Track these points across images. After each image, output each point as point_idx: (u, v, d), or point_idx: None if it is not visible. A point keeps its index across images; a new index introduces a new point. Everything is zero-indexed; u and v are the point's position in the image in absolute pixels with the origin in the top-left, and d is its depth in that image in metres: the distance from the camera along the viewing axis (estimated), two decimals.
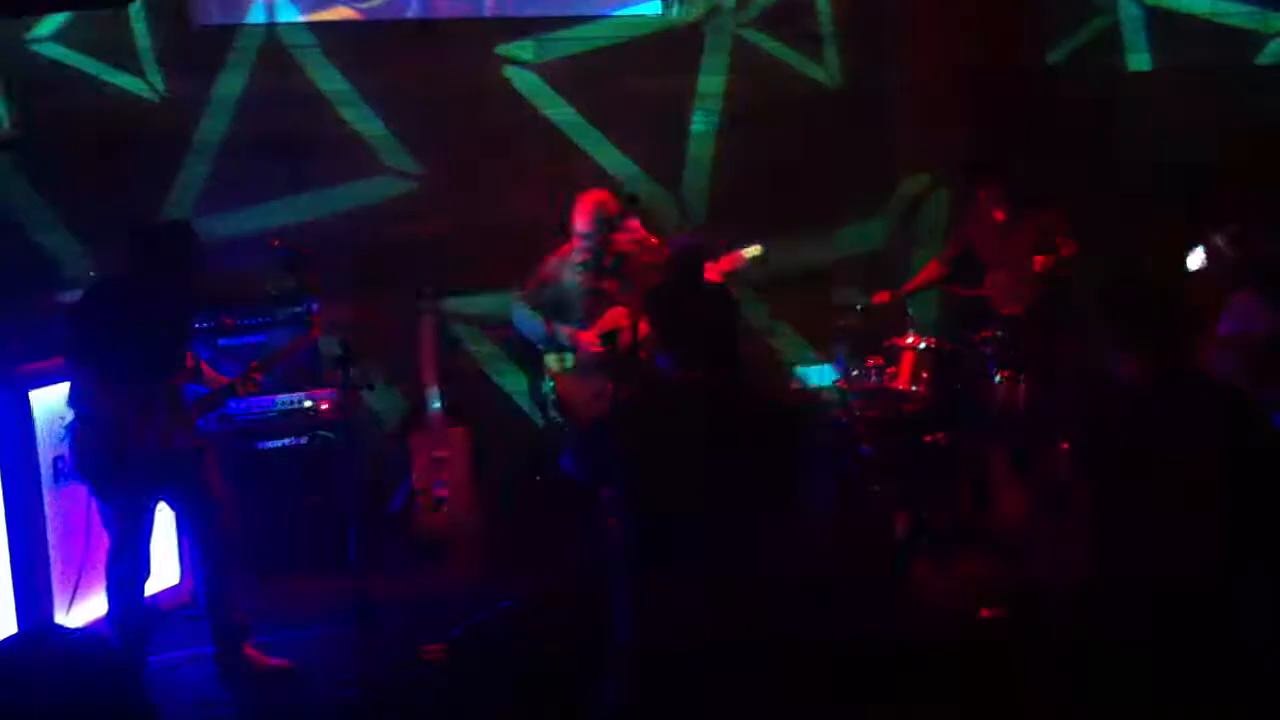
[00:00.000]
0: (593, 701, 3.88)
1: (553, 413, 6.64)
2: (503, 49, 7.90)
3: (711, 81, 8.20)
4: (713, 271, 6.43)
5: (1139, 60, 8.44)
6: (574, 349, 6.51)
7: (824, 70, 8.28)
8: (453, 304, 7.47)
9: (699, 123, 8.16)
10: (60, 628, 2.38)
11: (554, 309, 6.56)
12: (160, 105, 7.36)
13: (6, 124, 7.04)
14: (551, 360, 6.63)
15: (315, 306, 5.47)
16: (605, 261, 6.47)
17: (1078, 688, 3.72)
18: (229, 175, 7.46)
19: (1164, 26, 8.43)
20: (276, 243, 5.49)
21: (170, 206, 7.34)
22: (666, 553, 3.74)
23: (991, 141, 7.47)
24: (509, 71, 7.95)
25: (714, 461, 3.71)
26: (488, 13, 7.82)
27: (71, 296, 5.23)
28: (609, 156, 8.06)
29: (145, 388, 5.03)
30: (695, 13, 8.06)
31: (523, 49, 7.91)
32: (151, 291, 5.08)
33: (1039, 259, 6.66)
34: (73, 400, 5.04)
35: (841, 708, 4.74)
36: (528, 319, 6.56)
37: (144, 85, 7.34)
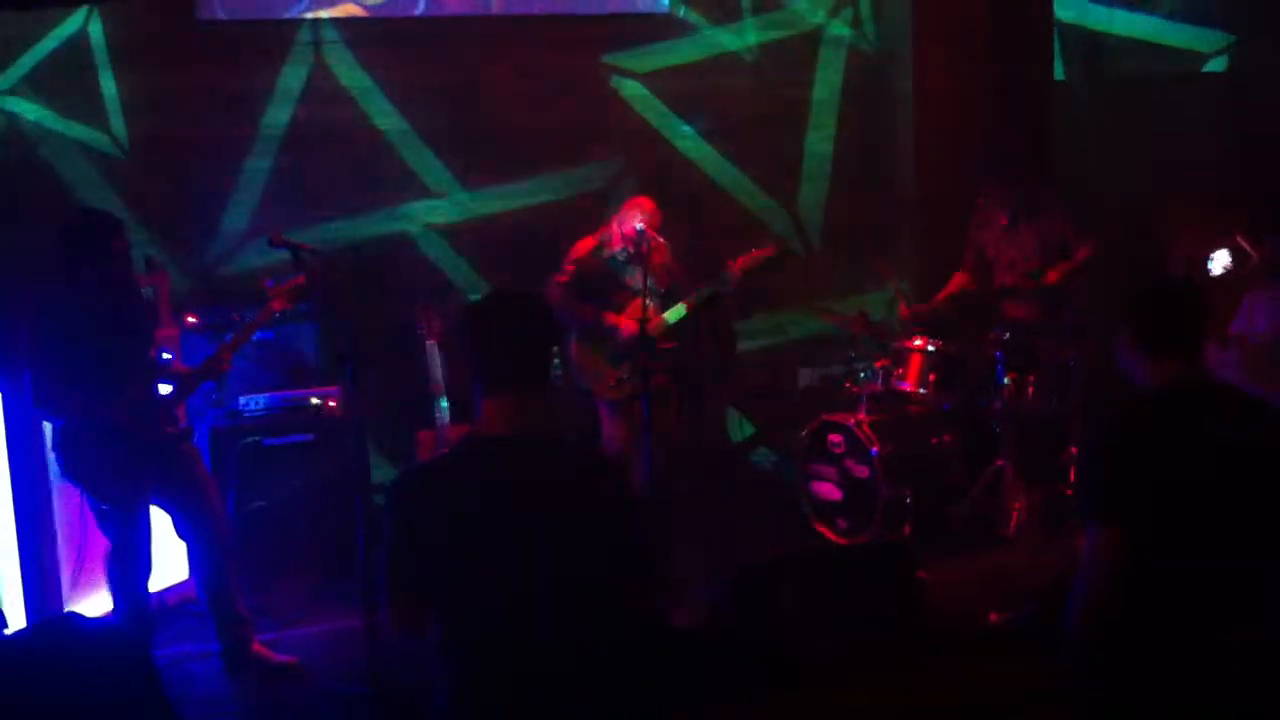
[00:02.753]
0: None
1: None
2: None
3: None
4: (734, 267, 6.52)
5: None
6: (609, 335, 6.59)
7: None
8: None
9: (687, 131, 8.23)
10: (80, 617, 2.36)
11: (582, 297, 6.67)
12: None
13: None
14: (580, 347, 6.72)
15: (270, 282, 5.41)
16: (635, 260, 6.56)
17: (1088, 693, 3.70)
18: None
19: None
20: (276, 238, 5.43)
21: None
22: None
23: (996, 147, 7.45)
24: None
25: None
26: (494, 10, 7.81)
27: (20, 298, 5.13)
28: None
29: (106, 388, 4.97)
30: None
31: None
32: (90, 285, 4.97)
33: (1052, 274, 6.66)
34: (38, 404, 4.95)
35: (849, 708, 4.79)
36: (560, 310, 6.63)
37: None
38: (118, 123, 7.29)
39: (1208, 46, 8.21)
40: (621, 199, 7.10)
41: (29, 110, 7.15)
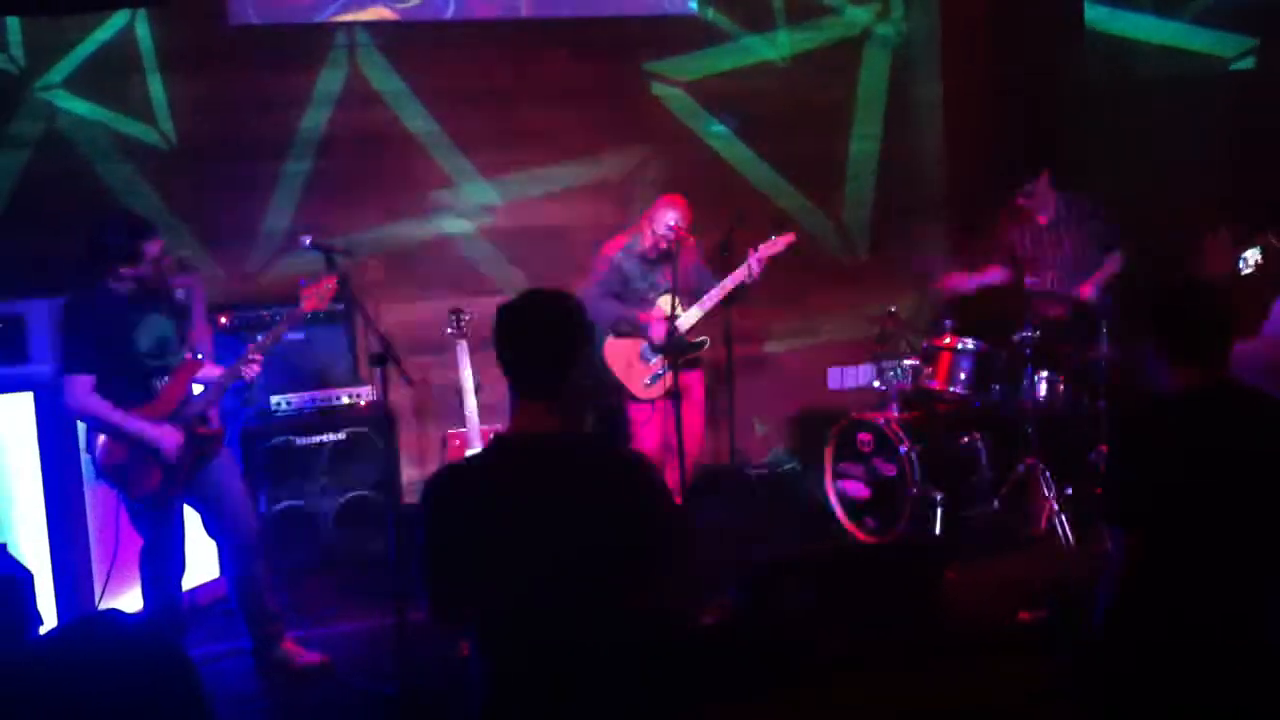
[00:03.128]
0: None
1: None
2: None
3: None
4: (754, 256, 6.57)
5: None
6: (641, 332, 6.65)
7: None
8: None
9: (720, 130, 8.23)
10: (116, 614, 2.38)
11: (616, 296, 6.74)
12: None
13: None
14: (613, 345, 6.77)
15: (303, 281, 5.45)
16: (666, 258, 6.59)
17: (1114, 693, 3.70)
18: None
19: None
20: (308, 241, 5.47)
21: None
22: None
23: (1035, 147, 7.42)
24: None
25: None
26: (524, 13, 7.83)
27: (57, 306, 5.18)
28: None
29: (140, 388, 5.04)
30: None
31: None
32: (125, 289, 5.03)
33: (1085, 287, 6.67)
34: (73, 408, 5.01)
35: (875, 706, 4.78)
36: (593, 308, 6.66)
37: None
38: (164, 121, 7.34)
39: (1232, 50, 8.18)
40: (650, 194, 7.12)
41: (77, 106, 7.21)
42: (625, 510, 3.10)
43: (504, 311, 3.23)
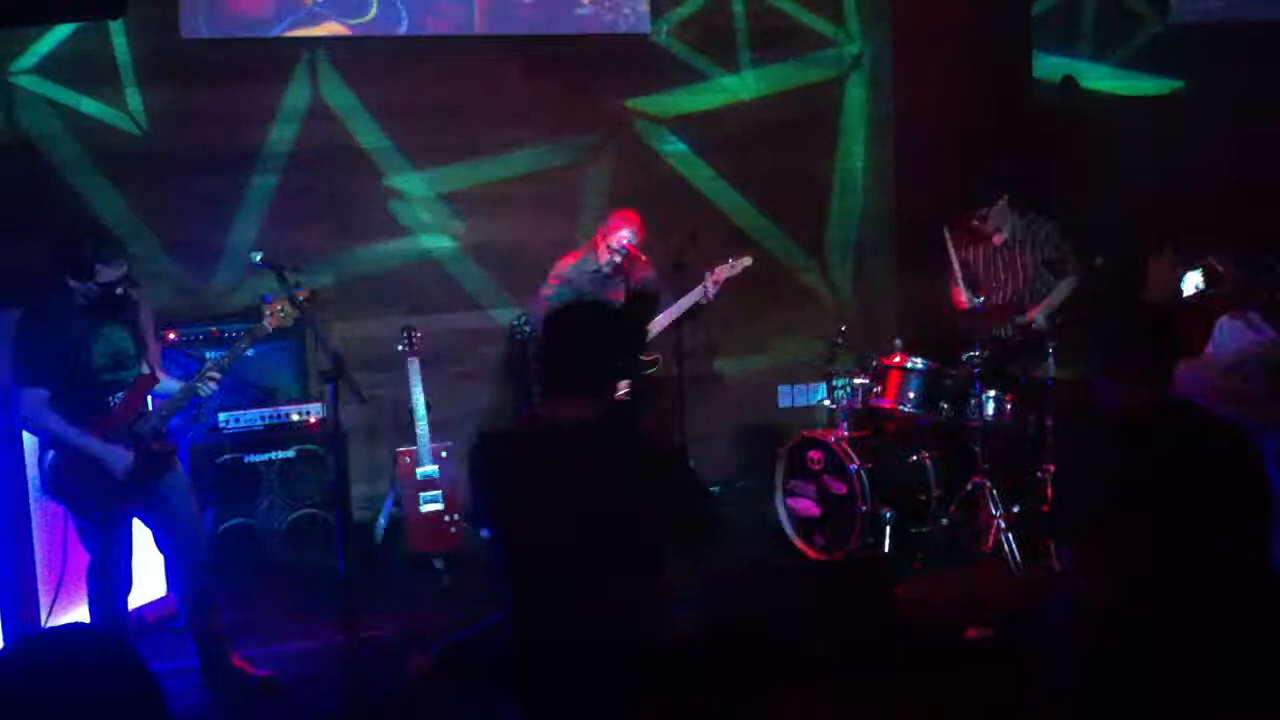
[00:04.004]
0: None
1: None
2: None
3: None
4: (712, 278, 6.71)
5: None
6: None
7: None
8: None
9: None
10: (78, 626, 2.37)
11: None
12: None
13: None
14: None
15: (268, 297, 5.43)
16: (619, 274, 6.61)
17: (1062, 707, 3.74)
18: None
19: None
20: (258, 258, 5.46)
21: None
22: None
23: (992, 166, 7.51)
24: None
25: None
26: (477, 29, 7.84)
27: (11, 316, 5.13)
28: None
29: (96, 402, 4.99)
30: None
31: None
32: (86, 300, 4.98)
33: (1032, 310, 6.79)
34: (25, 422, 4.99)
35: None
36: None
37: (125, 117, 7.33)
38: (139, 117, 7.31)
39: (1164, 91, 8.46)
40: (606, 210, 7.14)
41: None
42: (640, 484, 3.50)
43: (550, 318, 3.70)
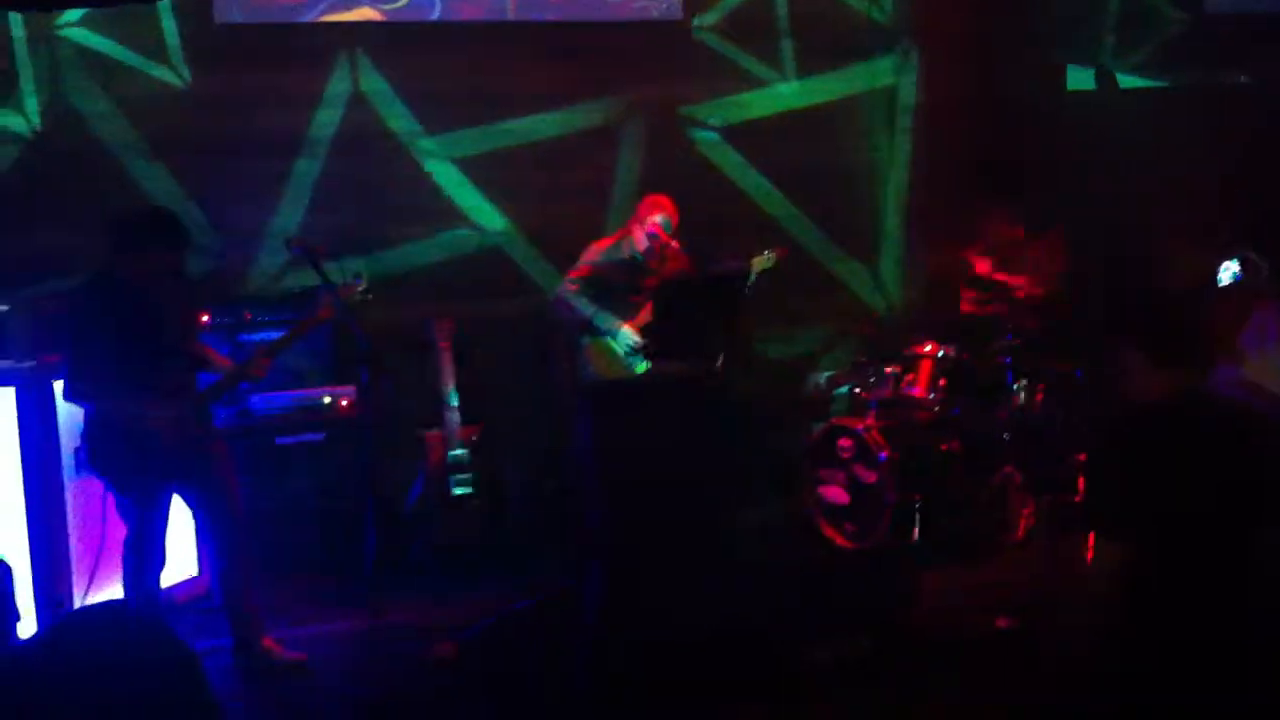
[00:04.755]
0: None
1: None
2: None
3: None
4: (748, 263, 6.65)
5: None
6: (616, 337, 6.65)
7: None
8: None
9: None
10: (118, 604, 2.40)
11: (596, 298, 6.73)
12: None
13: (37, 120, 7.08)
14: (592, 345, 6.77)
15: (324, 289, 5.45)
16: (653, 262, 6.60)
17: (1091, 700, 3.72)
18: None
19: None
20: (294, 242, 5.49)
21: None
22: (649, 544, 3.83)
23: (1004, 160, 7.48)
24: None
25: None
26: (510, 16, 7.82)
27: (65, 290, 5.19)
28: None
29: (146, 377, 5.04)
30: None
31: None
32: (139, 279, 5.04)
33: (1038, 291, 6.76)
34: (72, 395, 5.05)
35: (851, 713, 4.80)
36: (573, 308, 6.73)
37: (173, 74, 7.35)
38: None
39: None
40: (637, 198, 7.11)
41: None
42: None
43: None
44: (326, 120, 7.55)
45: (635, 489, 3.91)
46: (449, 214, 7.80)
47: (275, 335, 6.12)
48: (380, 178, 7.62)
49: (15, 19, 7.02)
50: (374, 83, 7.61)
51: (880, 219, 8.51)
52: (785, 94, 8.28)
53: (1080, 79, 8.44)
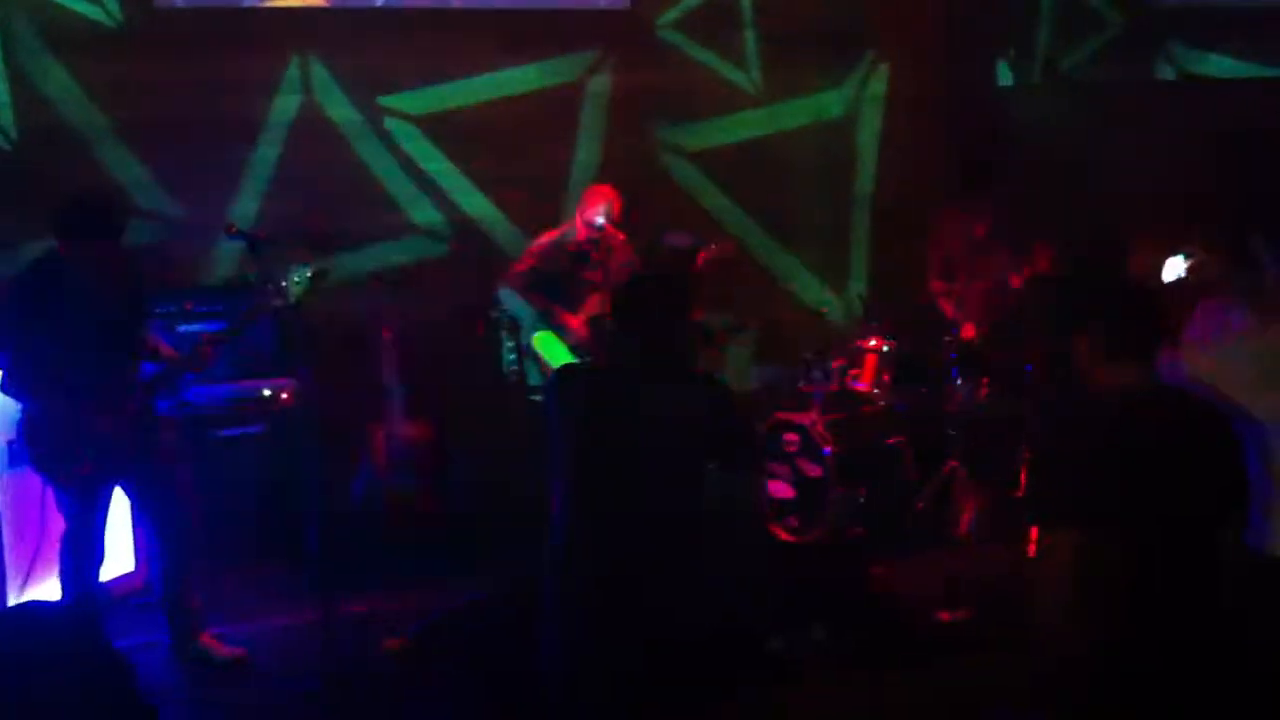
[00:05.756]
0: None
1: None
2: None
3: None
4: (698, 262, 6.64)
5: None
6: (560, 331, 6.63)
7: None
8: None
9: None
10: (43, 604, 2.34)
11: (541, 290, 6.71)
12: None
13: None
14: (537, 339, 6.74)
15: (268, 276, 5.36)
16: (597, 253, 6.58)
17: (1040, 691, 3.75)
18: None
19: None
20: (232, 229, 5.40)
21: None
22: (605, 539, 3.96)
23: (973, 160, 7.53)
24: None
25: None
26: (455, 3, 7.75)
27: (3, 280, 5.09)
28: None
29: (90, 368, 4.94)
30: None
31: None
32: (81, 267, 4.94)
33: (1015, 279, 6.77)
34: (10, 387, 4.95)
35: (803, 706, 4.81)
36: (516, 301, 6.69)
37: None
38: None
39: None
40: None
41: None
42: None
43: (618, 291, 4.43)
44: (280, 109, 7.45)
45: (594, 479, 3.96)
46: (395, 205, 7.73)
47: (216, 326, 6.04)
48: (323, 167, 7.52)
49: None
50: (320, 71, 7.52)
51: (836, 217, 8.53)
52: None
53: (1026, 74, 8.56)
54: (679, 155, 8.22)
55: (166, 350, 5.32)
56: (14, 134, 7.00)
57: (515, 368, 7.12)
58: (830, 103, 8.49)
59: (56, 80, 7.07)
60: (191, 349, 5.21)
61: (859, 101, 8.53)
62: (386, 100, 7.65)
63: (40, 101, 7.05)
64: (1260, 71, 8.61)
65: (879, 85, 8.50)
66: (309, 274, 5.22)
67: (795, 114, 8.43)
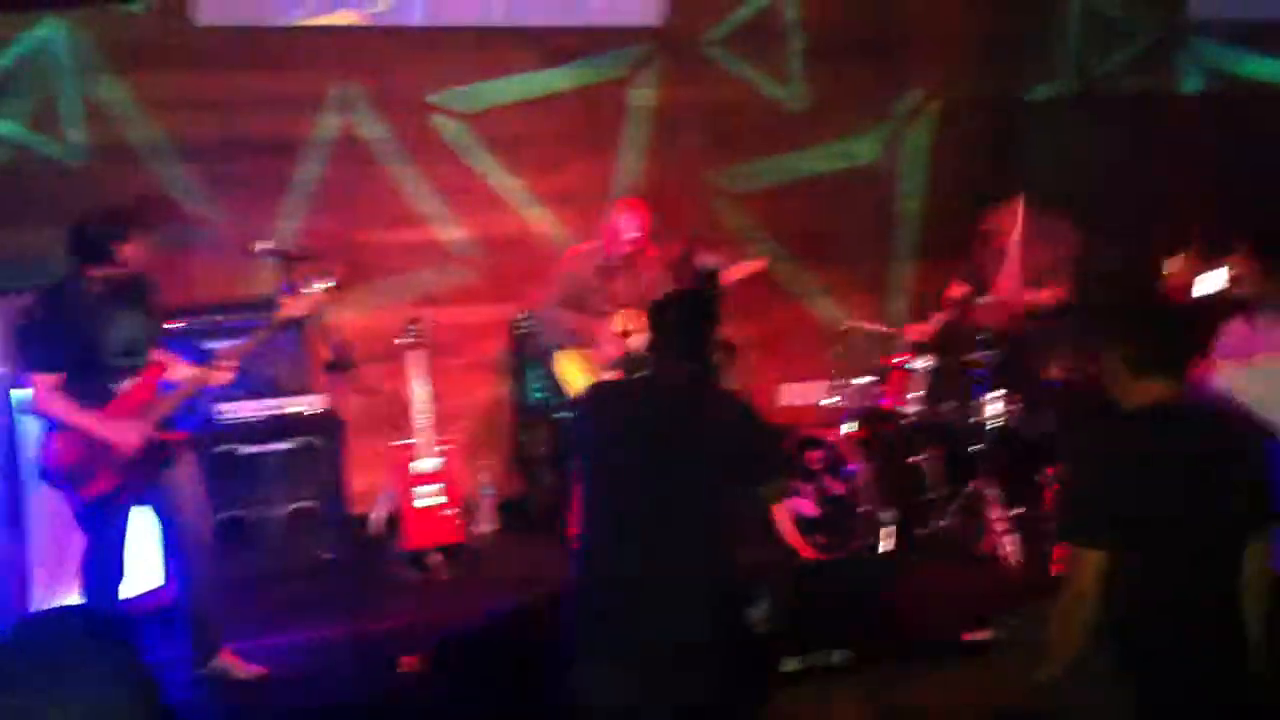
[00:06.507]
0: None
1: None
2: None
3: None
4: (726, 278, 6.64)
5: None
6: (592, 347, 6.68)
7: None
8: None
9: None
10: (74, 610, 2.35)
11: (572, 307, 6.75)
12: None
13: None
14: (565, 359, 6.79)
15: (286, 288, 5.36)
16: (629, 268, 6.64)
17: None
18: None
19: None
20: (257, 246, 5.42)
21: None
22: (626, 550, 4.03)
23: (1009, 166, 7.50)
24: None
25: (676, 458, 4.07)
26: (497, 20, 7.74)
27: (23, 300, 5.10)
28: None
29: (107, 389, 4.96)
30: None
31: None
32: (94, 287, 4.96)
33: (1044, 293, 6.72)
34: (34, 407, 4.97)
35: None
36: (558, 315, 6.78)
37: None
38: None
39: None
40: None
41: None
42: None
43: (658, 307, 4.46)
44: (322, 127, 7.46)
45: (622, 494, 4.01)
46: (424, 219, 7.71)
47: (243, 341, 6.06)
48: (355, 183, 7.53)
49: None
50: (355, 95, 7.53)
51: (849, 225, 8.51)
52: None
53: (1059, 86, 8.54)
54: (721, 196, 8.21)
55: (185, 367, 5.32)
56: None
57: (542, 397, 7.15)
58: (869, 146, 8.49)
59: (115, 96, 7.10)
60: (209, 362, 5.21)
61: (901, 137, 8.52)
62: (431, 114, 7.64)
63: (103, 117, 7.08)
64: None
65: (925, 126, 8.51)
66: (326, 286, 5.23)
67: (833, 158, 8.45)
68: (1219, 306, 5.27)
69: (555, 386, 6.92)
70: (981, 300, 6.91)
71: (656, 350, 4.33)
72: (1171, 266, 5.71)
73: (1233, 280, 5.23)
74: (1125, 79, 8.66)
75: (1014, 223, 6.92)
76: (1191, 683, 3.46)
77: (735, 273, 6.72)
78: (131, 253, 4.98)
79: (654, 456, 4.08)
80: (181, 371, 5.27)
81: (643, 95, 8.02)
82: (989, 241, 7.03)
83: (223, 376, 5.20)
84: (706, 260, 6.63)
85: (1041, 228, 6.90)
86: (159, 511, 5.24)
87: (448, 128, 7.67)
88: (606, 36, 7.91)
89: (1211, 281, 5.36)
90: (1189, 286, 5.51)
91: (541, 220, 7.80)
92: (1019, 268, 6.92)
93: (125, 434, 4.92)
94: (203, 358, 5.38)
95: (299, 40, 7.39)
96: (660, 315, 4.38)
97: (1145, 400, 3.62)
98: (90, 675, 2.13)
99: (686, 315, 4.34)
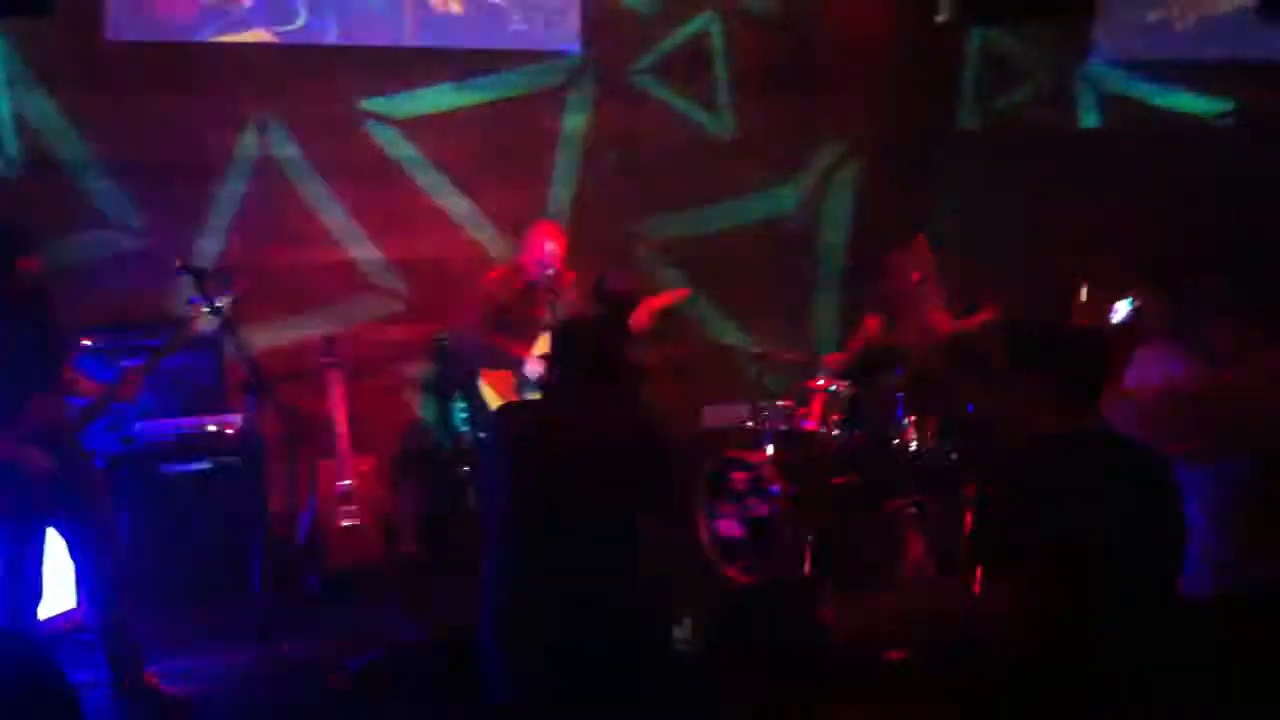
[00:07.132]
0: None
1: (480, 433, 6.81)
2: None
3: None
4: (643, 311, 6.69)
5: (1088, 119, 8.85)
6: (515, 369, 6.68)
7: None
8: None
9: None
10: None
11: (493, 327, 6.76)
12: None
13: None
14: (486, 381, 6.80)
15: (193, 300, 5.34)
16: (546, 291, 6.62)
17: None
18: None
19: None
20: (180, 262, 5.38)
21: None
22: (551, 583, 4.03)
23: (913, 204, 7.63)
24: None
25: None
26: (408, 41, 7.75)
27: None
28: None
29: (14, 408, 4.85)
30: None
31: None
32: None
33: (947, 326, 6.86)
34: None
35: None
36: (473, 339, 6.82)
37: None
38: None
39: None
40: None
41: None
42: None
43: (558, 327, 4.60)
44: (241, 145, 7.41)
45: (529, 513, 4.02)
46: (341, 237, 7.67)
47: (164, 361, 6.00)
48: (272, 200, 7.49)
49: None
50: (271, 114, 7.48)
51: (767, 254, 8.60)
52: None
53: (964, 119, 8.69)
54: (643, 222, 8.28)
55: (90, 384, 5.25)
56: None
57: (464, 417, 7.16)
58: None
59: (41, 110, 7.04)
60: (117, 379, 5.14)
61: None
62: (350, 134, 7.62)
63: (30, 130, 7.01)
64: (1199, 106, 8.73)
65: (842, 161, 8.64)
66: (228, 301, 5.22)
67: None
68: (1127, 336, 5.39)
69: (477, 407, 6.93)
70: (896, 329, 7.03)
71: (560, 373, 4.38)
72: (1081, 297, 5.84)
73: (1138, 311, 5.35)
74: (1026, 113, 8.83)
75: (916, 260, 7.06)
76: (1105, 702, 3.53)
77: (658, 301, 6.78)
78: (32, 264, 4.90)
79: (553, 477, 4.12)
80: (87, 390, 5.20)
81: (570, 121, 8.07)
82: (892, 279, 7.16)
83: (129, 393, 5.13)
84: (618, 285, 6.70)
85: (940, 261, 7.06)
86: (67, 533, 5.13)
87: (367, 148, 7.65)
88: (526, 60, 7.94)
89: (1119, 312, 5.49)
90: (1098, 316, 5.64)
91: (463, 242, 7.80)
92: (940, 300, 7.06)
93: (29, 454, 4.84)
94: (110, 375, 5.31)
95: (216, 59, 7.35)
96: (564, 338, 4.44)
97: (1059, 427, 3.70)
98: (13, 697, 2.11)
99: (590, 339, 4.39)
